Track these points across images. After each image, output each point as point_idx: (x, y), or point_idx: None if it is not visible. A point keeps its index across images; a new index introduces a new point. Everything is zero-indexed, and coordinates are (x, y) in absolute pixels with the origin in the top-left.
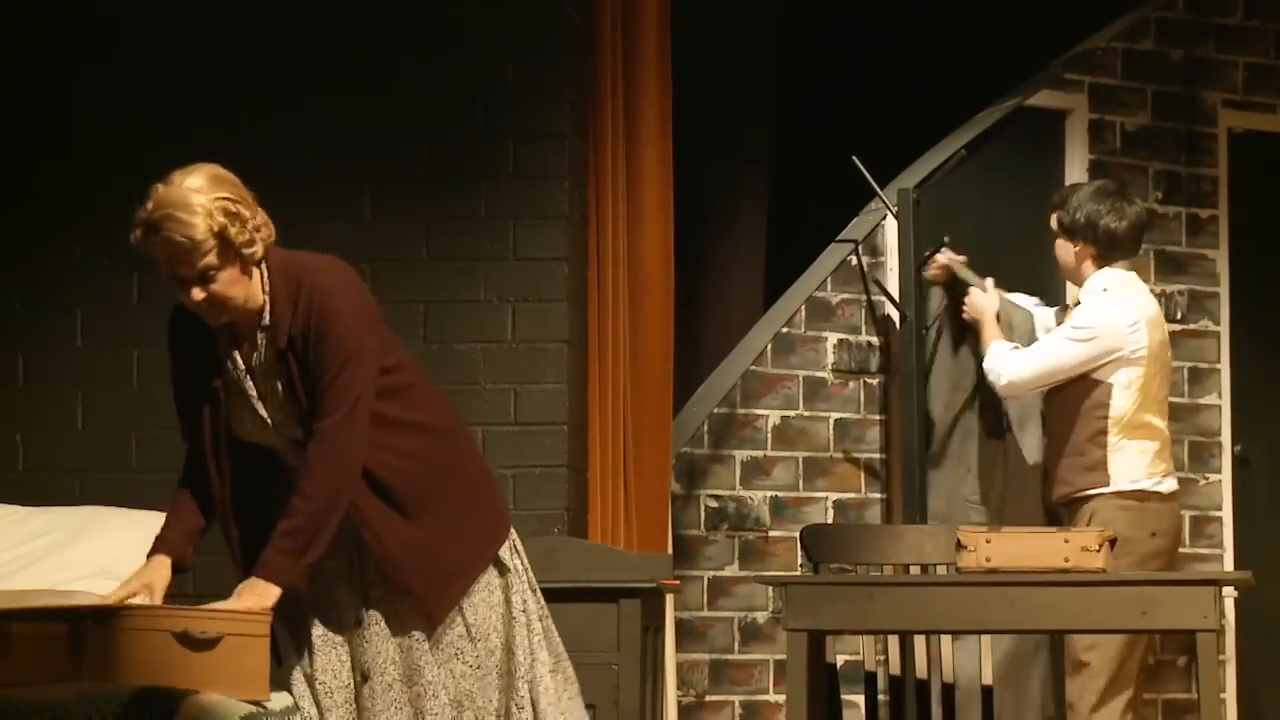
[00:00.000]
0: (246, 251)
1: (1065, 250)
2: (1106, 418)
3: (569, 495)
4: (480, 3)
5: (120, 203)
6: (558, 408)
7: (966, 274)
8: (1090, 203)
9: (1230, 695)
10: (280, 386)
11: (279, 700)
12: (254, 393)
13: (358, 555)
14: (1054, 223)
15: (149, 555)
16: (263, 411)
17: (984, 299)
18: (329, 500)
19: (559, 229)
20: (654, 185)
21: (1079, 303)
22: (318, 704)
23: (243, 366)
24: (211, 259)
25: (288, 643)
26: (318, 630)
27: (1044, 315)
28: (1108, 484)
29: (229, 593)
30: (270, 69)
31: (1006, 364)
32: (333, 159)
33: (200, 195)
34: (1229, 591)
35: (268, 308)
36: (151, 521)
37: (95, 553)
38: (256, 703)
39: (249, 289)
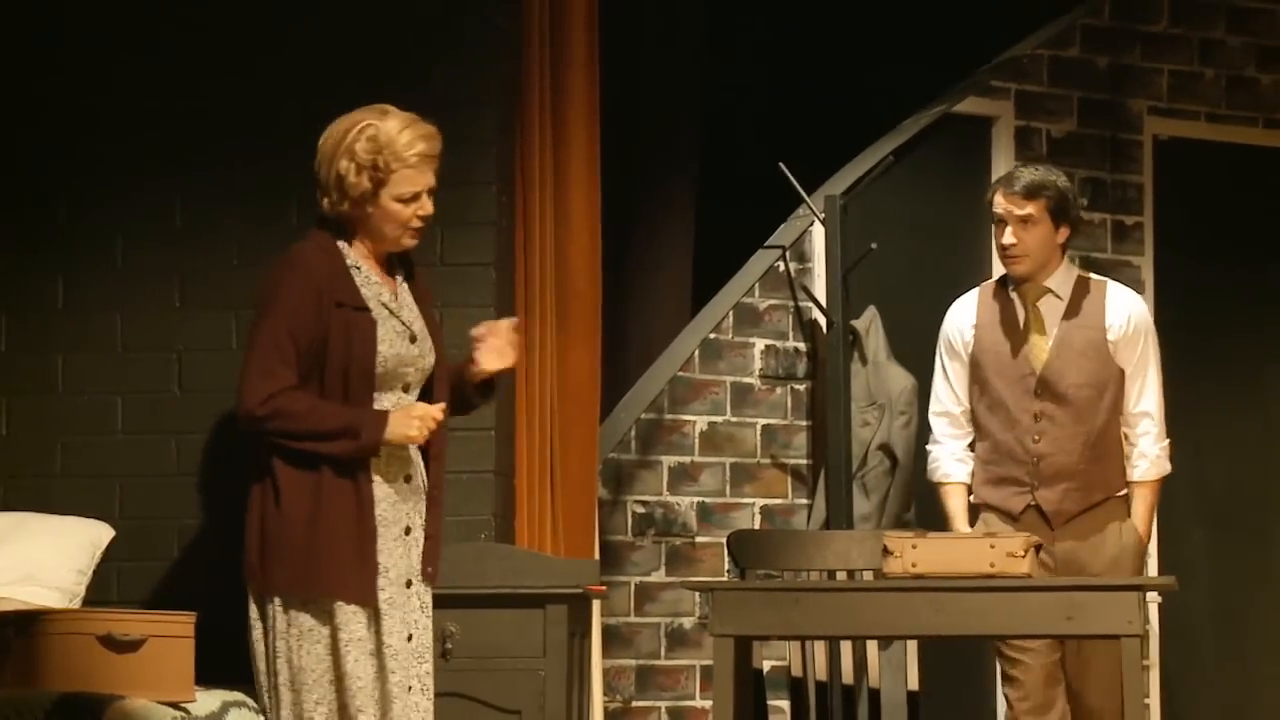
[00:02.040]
0: None
1: (1049, 240)
2: (1120, 416)
3: (496, 501)
4: (404, 7)
5: (44, 207)
6: (484, 413)
7: None
8: (1067, 183)
9: (1154, 700)
10: (419, 313)
11: (204, 703)
12: (405, 314)
13: (418, 519)
14: (1036, 209)
15: None
16: (415, 329)
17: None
18: None
19: (486, 234)
20: (581, 190)
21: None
22: (383, 666)
23: (390, 295)
24: None
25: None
26: (384, 595)
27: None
28: (1124, 485)
29: (155, 600)
30: (197, 73)
31: (1163, 451)
32: (259, 164)
33: None
34: (1153, 597)
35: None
36: (75, 528)
37: (18, 559)
38: (181, 706)
39: None
